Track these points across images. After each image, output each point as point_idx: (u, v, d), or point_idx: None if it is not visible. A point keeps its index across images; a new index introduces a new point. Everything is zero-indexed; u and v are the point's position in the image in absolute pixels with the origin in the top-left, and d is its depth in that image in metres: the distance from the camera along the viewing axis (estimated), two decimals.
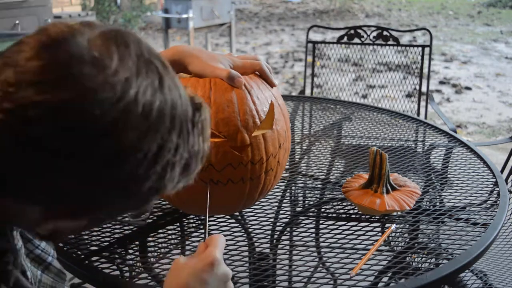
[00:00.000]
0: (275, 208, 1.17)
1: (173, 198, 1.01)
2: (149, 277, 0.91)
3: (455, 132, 1.89)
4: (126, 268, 0.94)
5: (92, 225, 0.56)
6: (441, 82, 5.41)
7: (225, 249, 0.97)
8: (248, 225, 1.08)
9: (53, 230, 0.53)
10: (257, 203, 1.13)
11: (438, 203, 1.20)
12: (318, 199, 1.24)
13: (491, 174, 1.28)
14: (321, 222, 1.10)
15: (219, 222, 1.08)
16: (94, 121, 0.45)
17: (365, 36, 2.42)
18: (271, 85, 1.01)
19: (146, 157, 0.49)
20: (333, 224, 1.07)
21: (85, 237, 1.01)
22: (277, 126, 0.99)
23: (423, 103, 2.51)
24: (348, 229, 1.05)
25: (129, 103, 0.46)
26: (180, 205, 1.04)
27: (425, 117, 2.51)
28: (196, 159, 0.56)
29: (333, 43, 2.54)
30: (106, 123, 0.45)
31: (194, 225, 1.09)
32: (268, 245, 1.01)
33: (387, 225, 1.07)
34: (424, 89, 2.50)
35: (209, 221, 1.09)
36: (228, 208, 1.04)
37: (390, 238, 1.05)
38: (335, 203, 1.18)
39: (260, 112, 0.95)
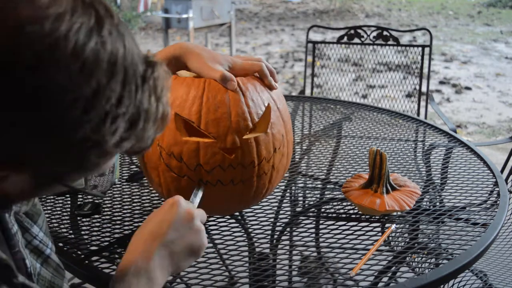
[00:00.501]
0: (275, 208, 1.17)
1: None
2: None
3: (455, 132, 1.89)
4: None
5: (41, 187, 0.53)
6: (441, 82, 5.41)
7: (225, 249, 0.98)
8: (248, 225, 1.08)
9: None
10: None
11: (438, 203, 1.20)
12: (318, 199, 1.24)
13: (491, 174, 1.28)
14: (321, 222, 1.10)
15: (219, 222, 1.08)
16: (17, 56, 0.43)
17: (365, 36, 2.42)
18: (270, 87, 1.00)
19: (78, 101, 0.46)
20: (333, 224, 1.07)
21: (85, 237, 1.02)
22: (273, 130, 0.97)
23: (423, 103, 2.51)
24: (348, 229, 1.05)
25: (58, 39, 0.44)
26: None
27: (425, 117, 2.51)
28: (145, 119, 0.53)
29: (333, 43, 2.54)
30: (30, 57, 0.43)
31: None
32: (268, 245, 1.01)
33: (387, 225, 1.07)
34: (424, 89, 2.50)
35: (208, 221, 1.09)
36: (220, 209, 1.03)
37: (390, 238, 1.05)
38: (335, 203, 1.18)
39: (253, 115, 0.94)
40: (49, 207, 1.12)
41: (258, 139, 0.94)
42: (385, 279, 0.93)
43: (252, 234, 1.05)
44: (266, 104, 0.97)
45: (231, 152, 0.92)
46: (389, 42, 2.41)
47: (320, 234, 1.05)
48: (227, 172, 0.93)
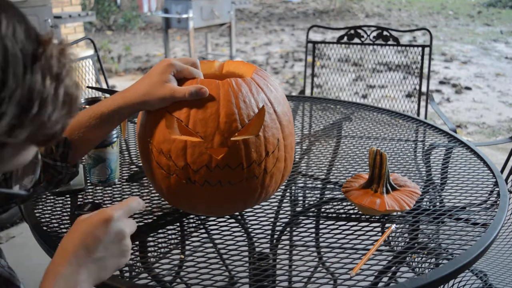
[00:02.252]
0: (275, 208, 1.17)
1: (169, 198, 1.02)
2: (149, 277, 0.91)
3: (455, 132, 1.89)
4: (126, 268, 0.94)
5: None
6: (441, 82, 5.41)
7: (225, 249, 0.98)
8: (248, 225, 1.08)
9: None
10: None
11: (438, 203, 1.20)
12: (318, 199, 1.24)
13: (491, 174, 1.28)
14: (321, 222, 1.10)
15: (219, 222, 1.08)
16: None
17: (365, 36, 2.42)
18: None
19: None
20: (333, 224, 1.07)
21: None
22: (266, 133, 0.95)
23: (423, 103, 2.51)
24: (348, 229, 1.05)
25: None
26: (179, 204, 1.04)
27: (425, 117, 2.51)
28: (41, 102, 0.49)
29: (333, 43, 2.54)
30: None
31: (194, 225, 1.09)
32: (268, 245, 1.01)
33: (387, 225, 1.07)
34: (424, 89, 2.50)
35: (207, 221, 1.09)
36: (210, 210, 1.02)
37: (390, 238, 1.05)
38: (335, 203, 1.18)
39: (243, 117, 0.93)
40: (49, 207, 1.12)
41: (248, 142, 0.93)
42: (385, 279, 0.93)
43: (252, 234, 1.05)
44: (260, 107, 0.95)
45: (218, 153, 0.92)
46: (389, 42, 2.41)
47: (320, 234, 1.05)
48: (214, 172, 0.92)
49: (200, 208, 1.01)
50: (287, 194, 1.29)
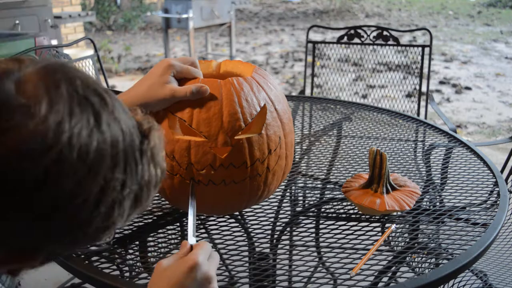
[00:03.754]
0: (275, 208, 1.17)
1: (171, 198, 1.01)
2: (149, 277, 0.91)
3: (455, 132, 1.89)
4: (126, 268, 0.94)
5: (50, 260, 0.55)
6: (441, 82, 5.41)
7: (225, 249, 0.98)
8: (248, 225, 1.08)
9: (9, 271, 0.52)
10: None
11: (438, 203, 1.20)
12: (318, 199, 1.24)
13: (491, 174, 1.28)
14: (321, 222, 1.10)
15: (219, 222, 1.08)
16: (23, 175, 0.42)
17: (365, 36, 2.42)
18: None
19: (87, 202, 0.46)
20: (333, 224, 1.07)
21: None
22: (268, 131, 0.96)
23: (423, 103, 2.51)
24: (348, 229, 1.05)
25: (62, 150, 0.43)
26: (181, 204, 1.04)
27: (425, 117, 2.51)
28: (147, 189, 0.53)
29: (333, 43, 2.54)
30: (37, 176, 0.43)
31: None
32: (268, 245, 1.01)
33: (387, 225, 1.07)
34: (424, 89, 2.50)
35: (208, 221, 1.09)
36: (213, 209, 1.03)
37: (390, 238, 1.05)
38: (335, 203, 1.18)
39: (246, 115, 0.93)
40: None
41: (251, 140, 0.93)
42: (385, 279, 0.93)
43: (252, 234, 1.04)
44: (262, 105, 0.96)
45: (222, 152, 0.92)
46: (389, 42, 2.41)
47: (320, 234, 1.05)
48: (218, 172, 0.92)
49: (203, 208, 1.01)
50: (287, 194, 1.29)
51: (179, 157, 0.93)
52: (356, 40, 2.44)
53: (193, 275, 0.68)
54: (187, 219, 1.10)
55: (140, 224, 1.07)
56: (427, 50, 2.38)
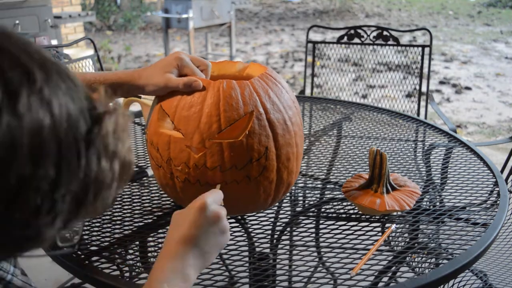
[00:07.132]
0: (275, 208, 1.17)
1: (162, 188, 1.04)
2: None
3: (455, 132, 1.89)
4: (126, 268, 0.94)
5: None
6: (441, 82, 5.41)
7: (225, 249, 0.97)
8: (248, 225, 1.08)
9: None
10: None
11: (438, 203, 1.20)
12: (318, 199, 1.24)
13: (491, 174, 1.28)
14: (321, 222, 1.10)
15: None
16: None
17: (365, 36, 2.42)
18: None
19: None
20: (333, 224, 1.07)
21: (85, 237, 1.01)
22: (251, 139, 0.91)
23: (423, 103, 2.51)
24: (348, 229, 1.05)
25: None
26: (169, 195, 1.05)
27: (425, 117, 2.51)
28: (96, 188, 0.43)
29: (333, 43, 2.54)
30: None
31: None
32: (268, 245, 1.01)
33: (387, 225, 1.07)
34: (424, 89, 2.50)
35: None
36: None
37: (390, 238, 1.05)
38: (335, 203, 1.18)
39: (225, 120, 0.90)
40: None
41: (227, 145, 0.91)
42: (385, 279, 0.93)
43: (252, 234, 1.05)
44: (249, 111, 0.92)
45: (197, 151, 0.92)
46: (389, 42, 2.41)
47: (320, 234, 1.05)
48: (192, 171, 0.93)
49: (185, 203, 1.01)
50: (287, 194, 1.29)
51: (162, 150, 0.96)
52: (356, 40, 2.44)
53: (203, 213, 0.74)
54: None
55: (140, 224, 1.07)
56: (427, 50, 2.38)
